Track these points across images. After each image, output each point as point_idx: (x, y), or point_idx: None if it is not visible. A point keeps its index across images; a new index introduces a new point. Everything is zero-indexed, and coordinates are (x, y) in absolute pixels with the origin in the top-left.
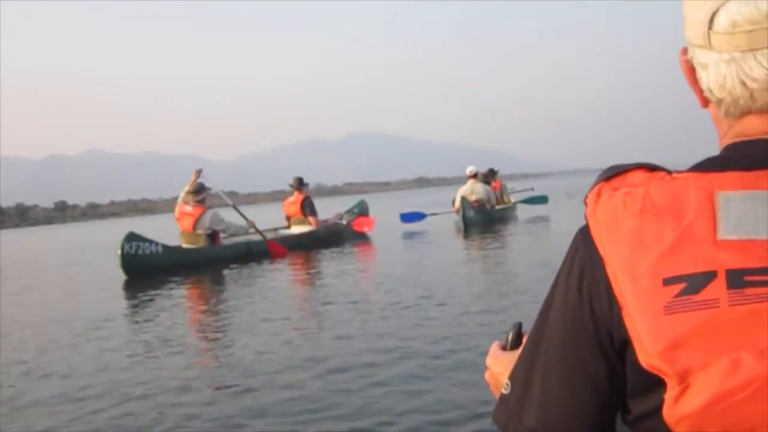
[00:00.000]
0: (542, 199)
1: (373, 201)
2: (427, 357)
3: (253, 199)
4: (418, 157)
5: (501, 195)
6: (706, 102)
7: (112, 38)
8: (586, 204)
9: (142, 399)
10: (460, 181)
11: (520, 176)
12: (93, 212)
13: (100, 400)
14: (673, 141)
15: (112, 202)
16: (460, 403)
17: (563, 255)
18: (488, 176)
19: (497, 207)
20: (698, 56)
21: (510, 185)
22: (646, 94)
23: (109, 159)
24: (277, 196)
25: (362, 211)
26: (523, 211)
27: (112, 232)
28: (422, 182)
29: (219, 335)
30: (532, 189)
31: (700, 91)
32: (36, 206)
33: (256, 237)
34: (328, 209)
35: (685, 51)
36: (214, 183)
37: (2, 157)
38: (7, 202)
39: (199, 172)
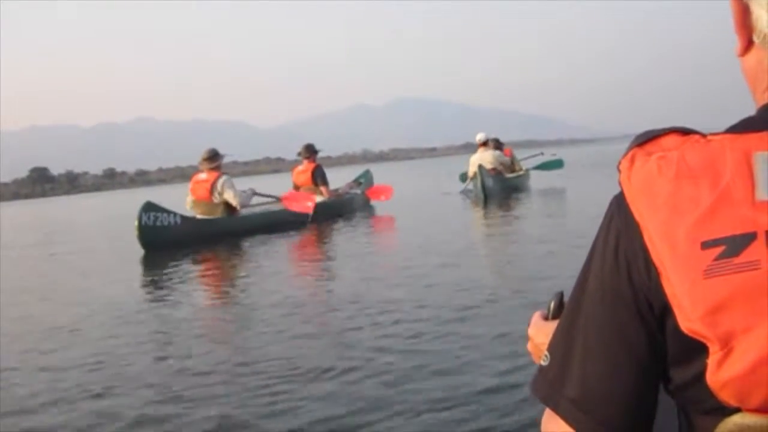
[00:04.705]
0: (557, 164)
1: (418, 166)
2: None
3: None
4: (465, 123)
5: (512, 163)
6: (747, 49)
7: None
8: (619, 170)
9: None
10: (506, 146)
11: (568, 142)
12: (141, 179)
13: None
14: (725, 109)
15: (160, 169)
16: (498, 375)
17: (593, 222)
18: (498, 144)
19: (511, 175)
20: None
21: (556, 151)
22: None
23: (158, 126)
24: (323, 162)
25: (368, 181)
26: (539, 180)
27: (153, 199)
28: (469, 148)
29: (238, 317)
30: (542, 153)
31: (746, 35)
32: (86, 173)
33: (276, 207)
34: (376, 177)
35: None
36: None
37: (54, 125)
38: (58, 170)
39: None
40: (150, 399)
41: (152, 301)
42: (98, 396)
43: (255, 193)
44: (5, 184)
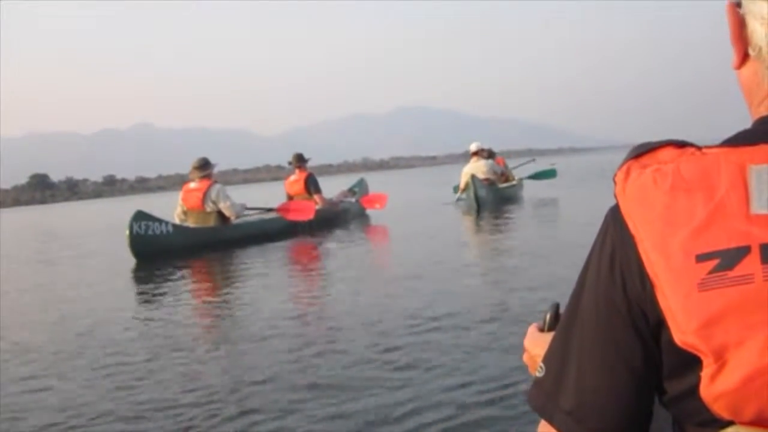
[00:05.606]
0: (551, 174)
1: (418, 175)
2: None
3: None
4: (466, 131)
5: (504, 173)
6: (743, 62)
7: (166, 20)
8: (615, 182)
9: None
10: (505, 155)
11: (569, 150)
12: (141, 186)
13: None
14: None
15: (160, 176)
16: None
17: (587, 233)
18: (491, 153)
19: (503, 185)
20: (757, 9)
21: (556, 160)
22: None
23: (158, 133)
24: (324, 171)
25: (362, 190)
26: (532, 190)
27: (152, 206)
28: (468, 156)
29: (232, 334)
30: (533, 160)
31: (742, 48)
32: (86, 180)
33: (269, 216)
34: (374, 185)
35: (735, 4)
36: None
37: (54, 133)
38: (58, 177)
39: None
40: (125, 415)
41: (138, 312)
42: (72, 410)
43: (247, 208)
44: (5, 191)
